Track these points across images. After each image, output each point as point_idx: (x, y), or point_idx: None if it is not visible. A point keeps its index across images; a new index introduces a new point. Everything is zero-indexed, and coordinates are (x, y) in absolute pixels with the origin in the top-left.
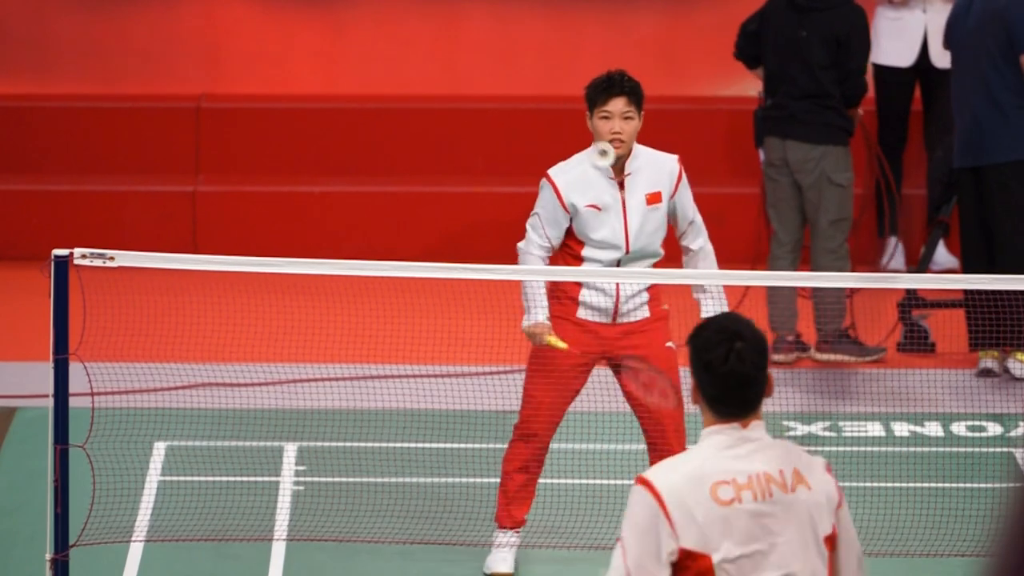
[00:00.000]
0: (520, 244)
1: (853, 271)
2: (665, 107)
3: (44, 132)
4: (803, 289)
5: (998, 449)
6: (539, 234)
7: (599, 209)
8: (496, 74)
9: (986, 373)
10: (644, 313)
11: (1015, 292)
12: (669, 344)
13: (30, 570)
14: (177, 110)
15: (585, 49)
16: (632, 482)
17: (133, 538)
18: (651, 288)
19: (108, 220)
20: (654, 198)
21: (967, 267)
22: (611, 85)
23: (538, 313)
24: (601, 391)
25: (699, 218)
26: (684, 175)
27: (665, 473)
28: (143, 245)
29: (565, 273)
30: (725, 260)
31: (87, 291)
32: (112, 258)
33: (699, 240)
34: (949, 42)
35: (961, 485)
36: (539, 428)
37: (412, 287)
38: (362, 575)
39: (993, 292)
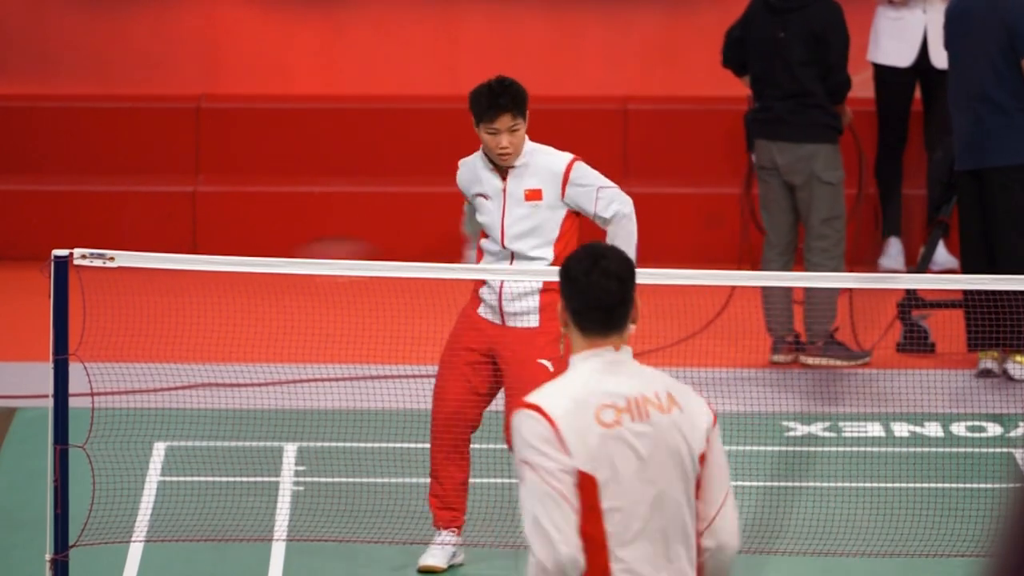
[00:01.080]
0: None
1: (852, 271)
2: (665, 107)
3: (44, 132)
4: (796, 293)
5: (998, 449)
6: (468, 208)
7: (487, 198)
8: (495, 74)
9: (986, 374)
10: (532, 322)
11: (1014, 292)
12: (543, 361)
13: (30, 570)
14: (177, 110)
15: (585, 49)
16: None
17: (133, 538)
18: (546, 298)
19: (108, 220)
20: (533, 195)
21: (966, 268)
22: (494, 103)
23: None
24: None
25: (608, 208)
26: (579, 173)
27: (552, 398)
28: (143, 245)
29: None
30: (725, 260)
31: (87, 291)
32: (112, 258)
33: (613, 207)
34: (947, 43)
35: (961, 485)
36: (448, 426)
37: (412, 287)
38: (362, 575)
39: (992, 292)
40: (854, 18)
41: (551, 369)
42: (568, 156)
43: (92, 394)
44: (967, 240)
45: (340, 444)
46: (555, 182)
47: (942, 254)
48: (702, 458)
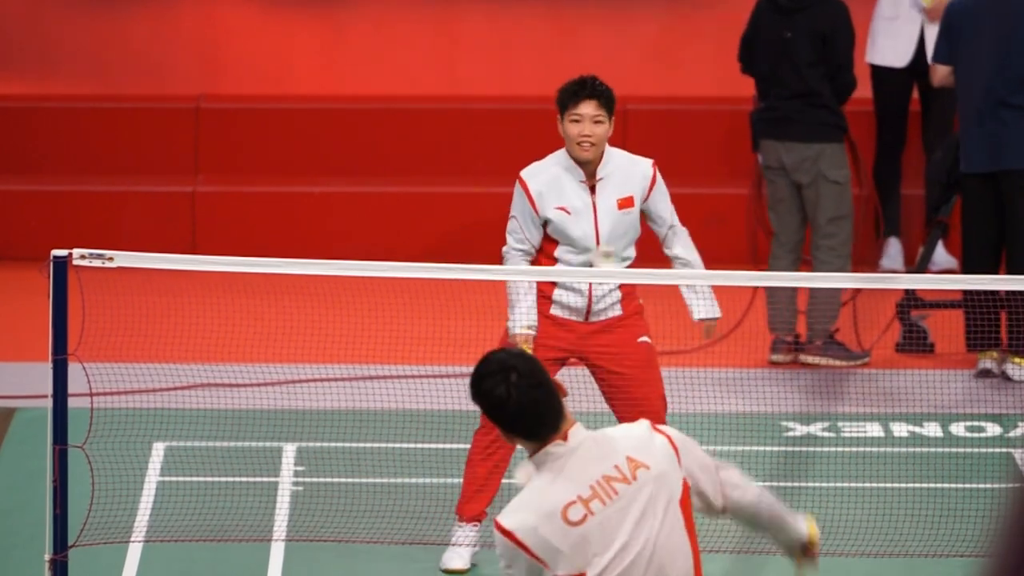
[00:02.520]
0: (503, 249)
1: (853, 271)
2: (665, 107)
3: (44, 132)
4: (800, 302)
5: (997, 449)
6: (517, 237)
7: (568, 213)
8: (495, 75)
9: (985, 374)
10: (617, 311)
11: (1015, 293)
12: (643, 339)
13: (29, 570)
14: (176, 110)
15: (585, 49)
16: None
17: (132, 538)
18: (624, 285)
19: (107, 220)
20: (626, 203)
21: (969, 269)
22: (582, 88)
23: (516, 323)
24: (592, 390)
25: (678, 223)
26: (659, 179)
27: (515, 514)
28: (142, 245)
29: (559, 273)
30: (725, 260)
31: (86, 291)
32: (111, 258)
33: (677, 248)
34: (954, 44)
35: (960, 485)
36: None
37: (412, 287)
38: (361, 575)
39: (992, 293)
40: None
41: (650, 342)
42: (650, 160)
43: (91, 394)
44: (973, 241)
45: (339, 444)
46: (643, 187)
47: (941, 254)
48: (683, 499)
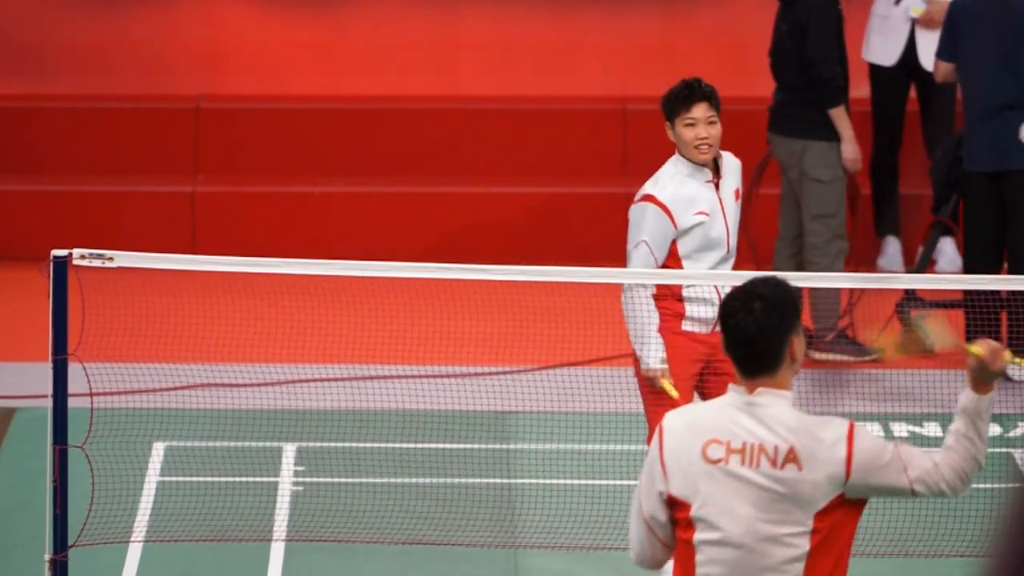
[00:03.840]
0: (626, 286)
1: (853, 271)
2: None
3: (43, 132)
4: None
5: (997, 449)
6: (647, 261)
7: (708, 215)
8: (495, 75)
9: None
10: None
11: (1016, 293)
12: None
13: (29, 570)
14: (176, 110)
15: (585, 49)
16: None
17: (132, 538)
18: None
19: (107, 220)
20: (738, 194)
21: (971, 268)
22: (692, 92)
23: (652, 358)
24: (601, 391)
25: None
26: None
27: (676, 416)
28: (142, 245)
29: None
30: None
31: (86, 291)
32: (111, 258)
33: None
34: (956, 41)
35: None
36: None
37: (412, 287)
38: (361, 575)
39: (994, 293)
40: (855, 17)
41: None
42: (730, 152)
43: (91, 394)
44: (975, 240)
45: (339, 444)
46: (740, 175)
47: (951, 253)
48: (839, 498)
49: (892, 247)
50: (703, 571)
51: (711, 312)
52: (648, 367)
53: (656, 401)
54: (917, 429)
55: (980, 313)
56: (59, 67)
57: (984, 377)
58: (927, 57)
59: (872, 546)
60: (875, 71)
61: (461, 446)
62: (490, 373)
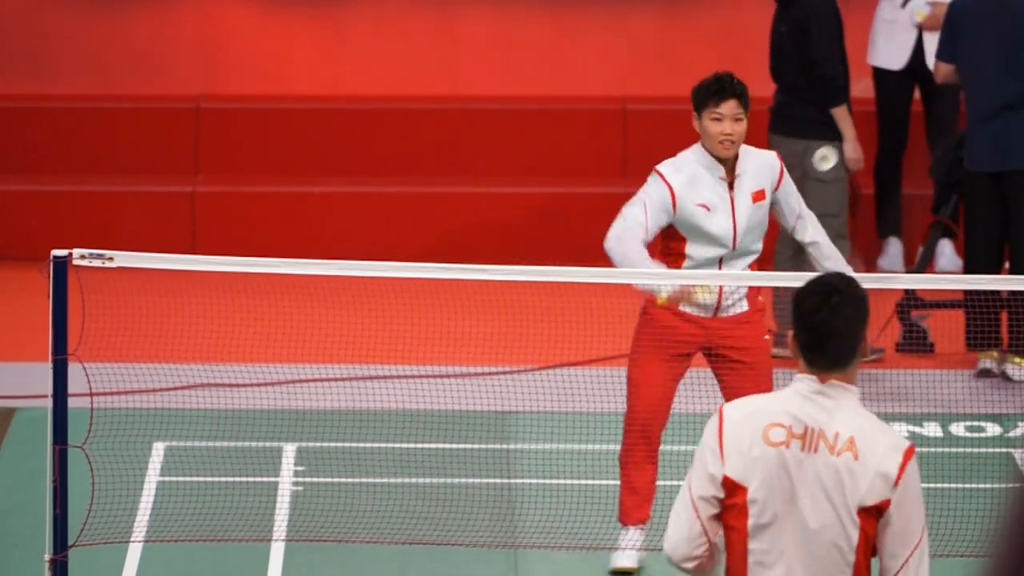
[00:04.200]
0: (612, 233)
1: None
2: (665, 107)
3: (43, 132)
4: None
5: (997, 449)
6: (638, 218)
7: (708, 209)
8: (496, 74)
9: (985, 374)
10: (744, 306)
11: (1017, 293)
12: (766, 337)
13: (29, 570)
14: (176, 110)
15: (585, 49)
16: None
17: (132, 539)
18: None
19: (107, 220)
20: (759, 195)
21: (972, 268)
22: (722, 88)
23: (660, 286)
24: (601, 391)
25: (807, 210)
26: (785, 169)
27: (737, 404)
28: (142, 245)
29: (563, 274)
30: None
31: (86, 291)
32: (111, 258)
33: (810, 231)
34: (956, 42)
35: (960, 485)
36: (648, 421)
37: (412, 287)
38: (361, 575)
39: (994, 292)
40: (855, 18)
41: (770, 341)
42: (774, 152)
43: (91, 394)
44: (976, 240)
45: (339, 444)
46: (772, 178)
47: (949, 255)
48: (877, 510)
49: (893, 248)
50: (756, 558)
51: (711, 299)
52: (667, 293)
53: (640, 359)
54: (917, 429)
55: (980, 313)
56: (59, 67)
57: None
58: (933, 60)
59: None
60: (881, 75)
61: (461, 446)
62: (490, 373)
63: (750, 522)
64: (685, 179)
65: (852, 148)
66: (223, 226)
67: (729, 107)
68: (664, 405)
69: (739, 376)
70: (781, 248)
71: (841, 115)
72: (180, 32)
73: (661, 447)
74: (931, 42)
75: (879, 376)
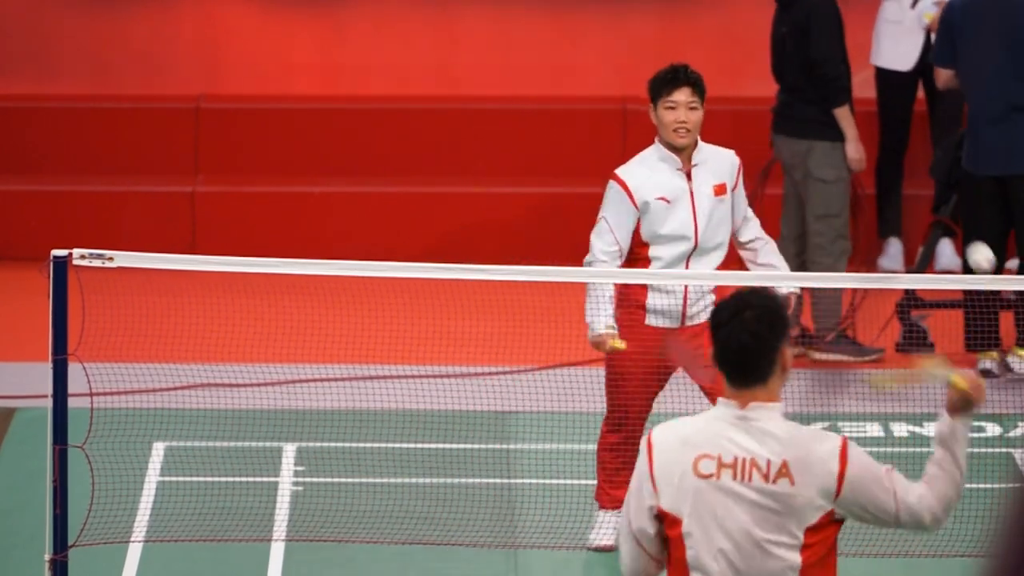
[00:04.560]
0: (586, 259)
1: (854, 271)
2: None
3: (43, 132)
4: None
5: (997, 449)
6: (607, 240)
7: (668, 202)
8: (496, 75)
9: (985, 374)
10: (707, 315)
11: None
12: None
13: (29, 570)
14: (176, 110)
15: (585, 49)
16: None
17: (132, 538)
18: (716, 288)
19: (107, 220)
20: (720, 189)
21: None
22: (676, 76)
23: (599, 323)
24: (601, 391)
25: (751, 212)
26: (742, 170)
27: (665, 430)
28: (142, 246)
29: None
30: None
31: (86, 291)
32: (111, 258)
33: (753, 231)
34: (955, 46)
35: None
36: (627, 424)
37: (411, 287)
38: (361, 575)
39: (994, 293)
40: (855, 17)
41: None
42: (732, 151)
43: (91, 394)
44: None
45: (339, 444)
46: (732, 174)
47: (949, 255)
48: (828, 515)
49: (894, 248)
50: None
51: (675, 304)
52: (592, 334)
53: (616, 382)
54: (917, 429)
55: (980, 314)
56: (59, 67)
57: (964, 408)
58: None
59: (872, 546)
60: (884, 75)
61: (461, 446)
62: (490, 373)
63: (688, 553)
64: (642, 175)
65: (854, 148)
66: (223, 226)
67: (683, 95)
68: (642, 410)
69: (707, 388)
70: (782, 248)
71: (843, 115)
72: (180, 32)
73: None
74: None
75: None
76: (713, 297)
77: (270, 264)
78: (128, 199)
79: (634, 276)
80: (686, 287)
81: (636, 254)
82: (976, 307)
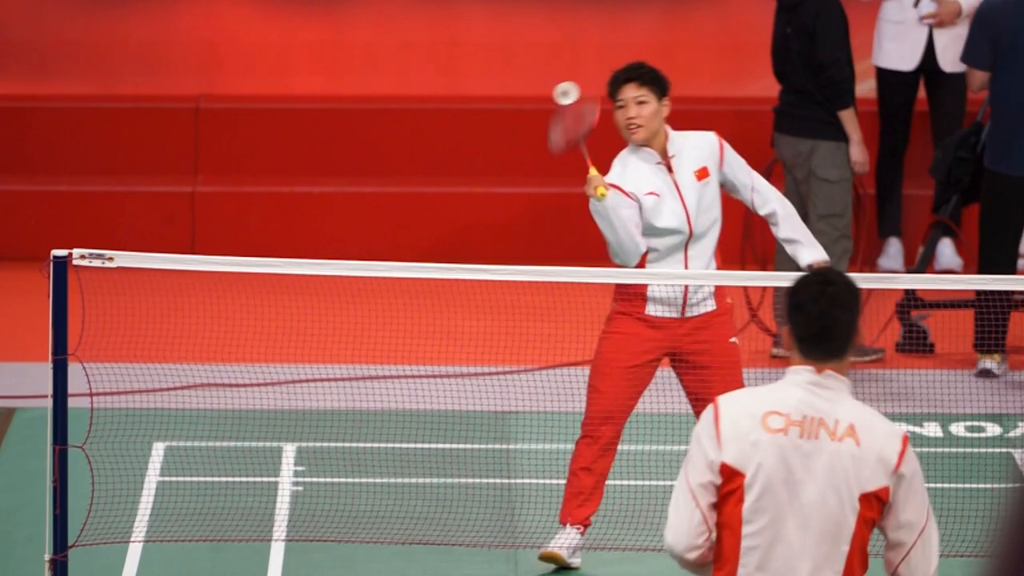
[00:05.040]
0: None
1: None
2: None
3: (43, 132)
4: None
5: (997, 450)
6: (629, 224)
7: (658, 196)
8: (496, 74)
9: (985, 374)
10: (711, 306)
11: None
12: (733, 340)
13: (29, 571)
14: (176, 110)
15: (585, 49)
16: (640, 483)
17: (132, 539)
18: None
19: (107, 220)
20: (702, 173)
21: (987, 268)
22: (617, 76)
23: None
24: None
25: (760, 181)
26: (727, 145)
27: (734, 395)
28: (142, 245)
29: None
30: (727, 260)
31: (86, 291)
32: (111, 258)
33: (771, 204)
34: (993, 47)
35: (960, 486)
36: (604, 428)
37: (411, 287)
38: (361, 575)
39: (1006, 293)
40: (855, 17)
41: (738, 344)
42: (712, 132)
43: (91, 394)
44: (997, 242)
45: (339, 444)
46: (714, 156)
47: (949, 255)
48: (878, 497)
49: (894, 247)
50: (749, 543)
51: (676, 293)
52: (595, 175)
53: (602, 370)
54: (917, 429)
55: (989, 315)
56: (59, 67)
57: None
58: (944, 58)
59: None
60: (885, 75)
61: (461, 446)
62: (490, 373)
63: (745, 506)
64: (627, 174)
65: (858, 151)
66: (223, 226)
67: (627, 92)
68: (622, 413)
69: (705, 380)
70: (782, 248)
71: (848, 117)
72: (180, 32)
73: (631, 447)
74: (941, 41)
75: (879, 376)
76: (712, 288)
77: (270, 264)
78: (128, 199)
79: (637, 276)
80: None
81: None
82: (987, 308)
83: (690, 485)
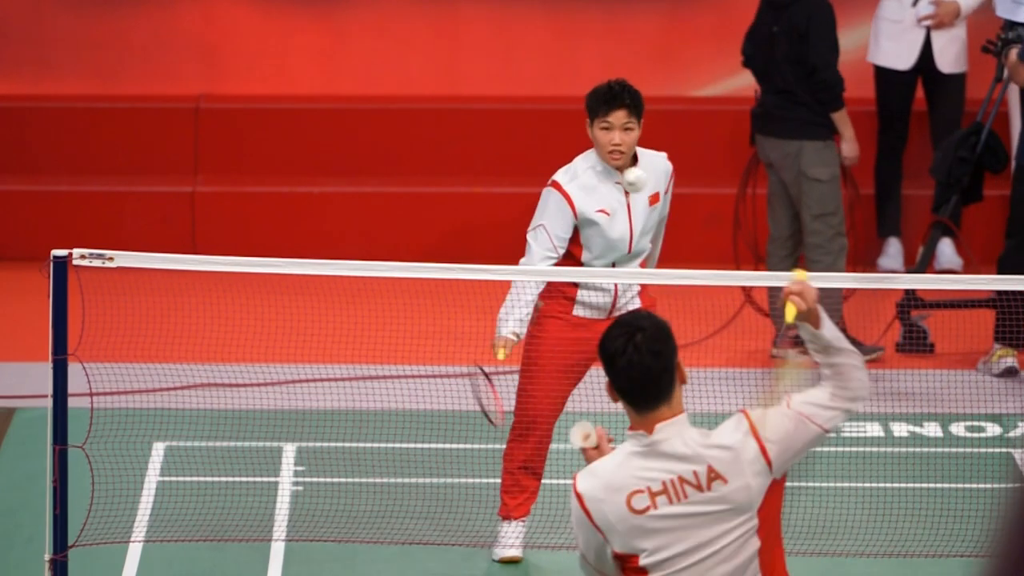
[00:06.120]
0: (522, 260)
1: (853, 271)
2: (665, 107)
3: (43, 132)
4: None
5: (997, 450)
6: (546, 247)
7: (608, 214)
8: (496, 75)
9: (1009, 373)
10: (636, 303)
11: None
12: None
13: (29, 571)
14: (176, 110)
15: (585, 49)
16: None
17: (132, 539)
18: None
19: (107, 220)
20: (654, 199)
21: (1009, 268)
22: (612, 96)
23: (505, 327)
24: (601, 391)
25: (665, 217)
26: (672, 177)
27: (588, 479)
28: (142, 245)
29: (566, 274)
30: (726, 260)
31: (86, 291)
32: (111, 258)
33: (657, 240)
34: None
35: (960, 486)
36: (535, 426)
37: (411, 287)
38: (361, 575)
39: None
40: (845, 18)
41: None
42: (664, 153)
43: (91, 394)
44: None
45: (339, 444)
46: (664, 181)
47: (949, 255)
48: (772, 487)
49: (894, 247)
50: None
51: (606, 299)
52: (500, 335)
53: (530, 372)
54: (917, 429)
55: (1012, 313)
56: (59, 67)
57: (807, 319)
58: (942, 59)
59: (872, 546)
60: (884, 74)
61: (460, 446)
62: (490, 373)
63: (652, 573)
64: (582, 186)
65: (850, 147)
66: (223, 226)
67: (618, 117)
68: (553, 413)
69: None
70: (773, 250)
71: (841, 118)
72: (180, 32)
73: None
74: (939, 41)
75: (879, 376)
76: (638, 287)
77: (270, 264)
78: (128, 199)
79: (637, 276)
80: (616, 284)
81: (571, 255)
82: (1010, 306)
83: (594, 566)
